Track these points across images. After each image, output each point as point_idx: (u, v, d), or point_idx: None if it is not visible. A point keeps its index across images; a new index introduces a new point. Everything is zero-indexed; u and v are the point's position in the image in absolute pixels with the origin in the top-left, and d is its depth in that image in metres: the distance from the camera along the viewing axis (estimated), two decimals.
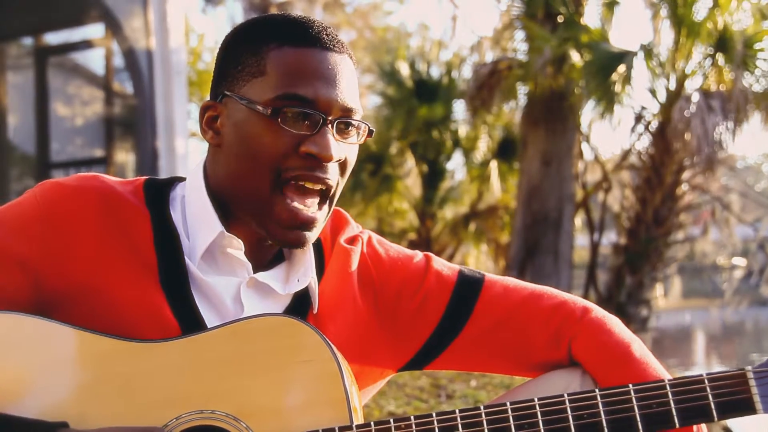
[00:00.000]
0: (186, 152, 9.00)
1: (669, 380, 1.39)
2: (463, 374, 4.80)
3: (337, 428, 1.32)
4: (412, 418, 1.35)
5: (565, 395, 1.37)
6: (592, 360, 1.50)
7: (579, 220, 12.43)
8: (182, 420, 1.33)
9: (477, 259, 13.76)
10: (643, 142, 10.64)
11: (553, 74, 9.72)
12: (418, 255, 1.60)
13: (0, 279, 1.36)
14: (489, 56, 13.03)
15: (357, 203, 13.01)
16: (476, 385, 4.66)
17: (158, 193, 1.49)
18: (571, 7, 10.04)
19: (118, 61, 9.55)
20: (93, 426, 1.31)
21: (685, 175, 10.37)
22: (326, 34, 1.42)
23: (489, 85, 10.32)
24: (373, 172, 12.97)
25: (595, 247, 12.04)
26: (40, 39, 9.87)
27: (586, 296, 10.86)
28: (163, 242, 1.43)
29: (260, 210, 1.41)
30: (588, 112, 11.32)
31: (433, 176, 13.43)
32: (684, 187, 10.51)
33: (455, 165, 15.41)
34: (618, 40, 9.84)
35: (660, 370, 1.48)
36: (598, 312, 1.55)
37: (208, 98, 1.48)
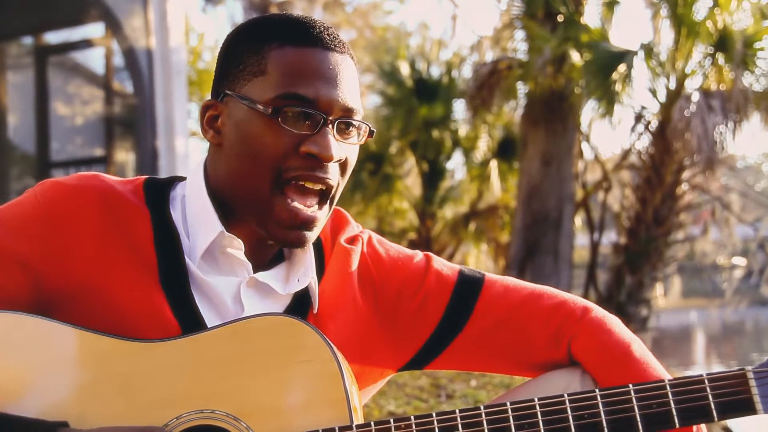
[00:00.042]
0: (186, 152, 9.00)
1: (669, 380, 1.39)
2: (463, 374, 4.80)
3: (337, 428, 1.32)
4: (412, 418, 1.35)
5: (565, 395, 1.37)
6: (592, 359, 1.50)
7: (579, 219, 12.43)
8: (182, 420, 1.33)
9: (477, 259, 13.76)
10: (643, 142, 10.65)
11: (553, 74, 9.72)
12: (419, 255, 1.60)
13: (0, 278, 1.36)
14: (489, 56, 13.03)
15: (357, 203, 13.02)
16: (476, 384, 4.66)
17: (158, 192, 1.48)
18: (571, 7, 10.04)
19: (118, 60, 9.55)
20: (93, 425, 1.31)
21: (685, 174, 10.37)
22: (328, 34, 1.42)
23: (489, 85, 10.32)
24: (373, 171, 12.97)
25: (595, 246, 12.04)
26: (40, 38, 9.87)
27: (586, 296, 10.86)
28: (163, 242, 1.43)
29: (260, 209, 1.41)
30: (588, 111, 11.35)
31: (433, 176, 13.43)
32: (684, 186, 10.51)
33: (455, 164, 15.43)
34: (618, 40, 9.84)
35: (660, 371, 1.48)
36: (598, 312, 1.55)
37: (209, 97, 1.48)
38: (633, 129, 10.50)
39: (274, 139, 1.37)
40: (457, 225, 13.52)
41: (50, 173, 9.47)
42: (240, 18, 18.31)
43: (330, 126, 1.39)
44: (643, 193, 10.31)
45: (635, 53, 9.51)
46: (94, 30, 9.68)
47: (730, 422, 4.25)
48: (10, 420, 1.28)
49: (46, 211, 1.39)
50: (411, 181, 14.52)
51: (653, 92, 10.20)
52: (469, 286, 1.56)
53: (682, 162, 10.07)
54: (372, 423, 1.33)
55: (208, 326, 1.41)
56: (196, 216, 1.46)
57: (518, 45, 11.10)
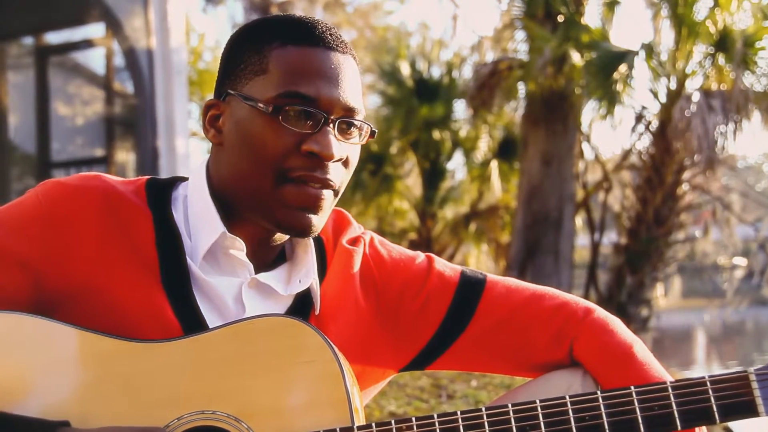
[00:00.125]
0: (186, 152, 9.00)
1: (671, 382, 1.38)
2: (464, 374, 4.80)
3: (338, 429, 1.32)
4: (413, 419, 1.35)
5: (567, 397, 1.37)
6: (594, 360, 1.49)
7: (579, 219, 12.44)
8: (184, 420, 1.32)
9: (477, 259, 13.76)
10: (644, 142, 10.65)
11: (554, 74, 9.72)
12: (420, 256, 1.60)
13: (0, 278, 1.36)
14: (489, 56, 13.04)
15: (357, 203, 13.02)
16: (477, 385, 4.66)
17: (160, 193, 1.48)
18: (571, 7, 10.05)
19: (119, 60, 9.55)
20: (94, 425, 1.31)
21: (686, 174, 10.37)
22: (330, 34, 1.42)
23: (489, 85, 10.32)
24: (374, 171, 12.98)
25: (595, 246, 12.04)
26: (40, 38, 9.87)
27: (586, 296, 10.86)
28: (164, 242, 1.43)
29: (264, 204, 1.40)
30: (588, 111, 11.34)
31: (434, 176, 13.43)
32: (684, 186, 10.51)
33: (456, 165, 15.44)
34: (619, 40, 9.84)
35: (662, 372, 1.47)
36: (601, 313, 1.55)
37: (210, 97, 1.48)
38: (633, 129, 10.50)
39: (275, 138, 1.37)
40: (457, 225, 13.52)
41: (51, 173, 9.47)
42: (240, 18, 18.32)
43: (331, 125, 1.39)
44: (644, 193, 10.32)
45: (636, 53, 9.51)
46: (95, 30, 9.69)
47: (732, 424, 4.24)
48: (11, 419, 1.28)
49: (47, 211, 1.39)
50: (411, 182, 14.53)
51: (654, 92, 10.20)
52: (471, 287, 1.56)
53: (682, 162, 10.07)
54: (373, 424, 1.33)
55: (210, 327, 1.41)
56: (198, 216, 1.46)
57: (519, 45, 11.11)
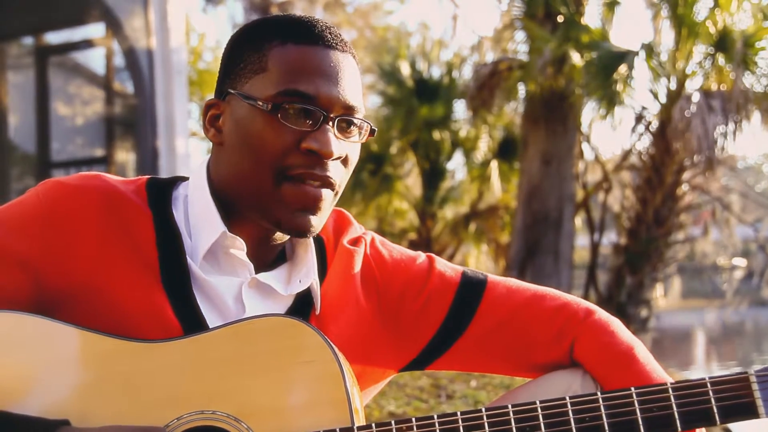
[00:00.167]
0: (186, 152, 9.00)
1: (671, 384, 1.38)
2: (463, 374, 4.80)
3: (338, 429, 1.32)
4: (413, 419, 1.34)
5: (567, 398, 1.37)
6: (595, 360, 1.49)
7: (579, 220, 12.44)
8: (183, 420, 1.32)
9: (477, 259, 13.76)
10: (644, 142, 10.65)
11: (554, 74, 9.72)
12: (421, 256, 1.60)
13: (0, 278, 1.35)
14: (490, 56, 13.04)
15: (357, 203, 13.02)
16: (476, 385, 4.66)
17: (161, 192, 1.48)
18: (571, 7, 10.05)
19: (119, 60, 9.55)
20: (94, 425, 1.31)
21: (686, 175, 10.37)
22: (329, 33, 1.42)
23: (489, 85, 10.32)
24: (374, 171, 12.98)
25: (595, 247, 12.04)
26: (40, 38, 9.86)
27: (586, 296, 10.87)
28: (165, 242, 1.43)
29: (264, 203, 1.40)
30: (588, 112, 11.34)
31: (434, 176, 13.44)
32: (684, 187, 10.51)
33: (456, 165, 15.45)
34: (619, 40, 9.84)
35: (663, 374, 1.47)
36: (602, 314, 1.55)
37: (210, 97, 1.48)
38: (633, 129, 10.50)
39: (275, 136, 1.37)
40: (457, 225, 13.52)
41: (51, 173, 9.47)
42: (240, 18, 18.32)
43: (330, 123, 1.38)
44: (644, 193, 10.32)
45: (636, 54, 9.51)
46: (95, 30, 9.69)
47: (732, 426, 4.24)
48: (12, 418, 1.28)
49: (48, 210, 1.39)
50: (411, 182, 14.53)
51: (654, 93, 10.20)
52: (472, 288, 1.56)
53: (682, 162, 10.07)
54: (373, 424, 1.33)
55: (210, 326, 1.41)
56: (199, 216, 1.46)
57: (519, 46, 11.11)
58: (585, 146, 12.13)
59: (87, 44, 9.90)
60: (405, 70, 13.09)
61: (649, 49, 9.80)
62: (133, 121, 9.15)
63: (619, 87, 9.33)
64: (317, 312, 1.48)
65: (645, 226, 10.27)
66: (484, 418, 1.35)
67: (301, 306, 1.48)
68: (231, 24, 19.18)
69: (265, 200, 1.40)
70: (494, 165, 12.92)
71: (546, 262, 10.24)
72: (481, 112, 10.87)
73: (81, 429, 1.29)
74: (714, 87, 9.61)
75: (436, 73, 13.44)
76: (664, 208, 10.21)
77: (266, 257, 1.49)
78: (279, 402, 1.34)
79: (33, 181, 9.44)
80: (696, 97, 9.26)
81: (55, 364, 1.33)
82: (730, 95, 9.07)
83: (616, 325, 1.54)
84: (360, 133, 1.44)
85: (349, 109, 1.40)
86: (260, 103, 1.37)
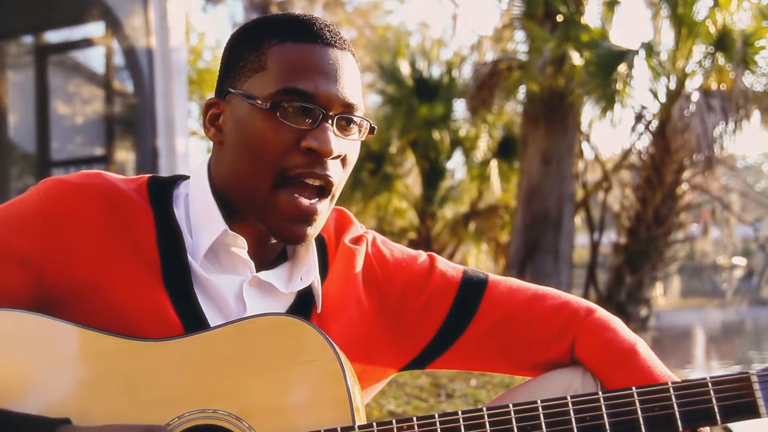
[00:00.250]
0: (186, 151, 9.00)
1: (673, 383, 1.38)
2: (463, 373, 4.80)
3: (339, 428, 1.32)
4: (414, 419, 1.34)
5: (568, 397, 1.37)
6: (596, 358, 1.49)
7: (579, 219, 12.45)
8: (184, 419, 1.32)
9: (477, 259, 13.76)
10: (644, 142, 10.67)
11: (553, 74, 9.72)
12: (423, 255, 1.60)
13: (1, 276, 1.35)
14: (489, 55, 13.05)
15: (357, 202, 13.02)
16: (476, 384, 4.66)
17: (161, 191, 1.48)
18: (571, 7, 10.05)
19: (119, 59, 9.55)
20: (95, 423, 1.30)
21: (686, 174, 10.38)
22: (328, 31, 1.42)
23: (489, 85, 10.33)
24: (373, 170, 12.98)
25: (595, 246, 12.05)
26: (40, 37, 9.86)
27: (586, 296, 10.87)
28: (165, 240, 1.43)
29: (262, 205, 1.40)
30: (588, 111, 11.34)
31: (433, 175, 13.44)
32: (684, 186, 10.52)
33: (455, 164, 15.47)
34: (618, 40, 9.85)
35: (665, 372, 1.47)
36: (602, 313, 1.55)
37: (210, 96, 1.48)
38: (633, 129, 10.51)
39: (274, 135, 1.36)
40: (457, 225, 13.53)
41: (50, 172, 9.47)
42: (240, 17, 18.32)
43: (330, 121, 1.38)
44: (643, 192, 10.32)
45: (635, 53, 9.51)
46: (95, 29, 9.68)
47: (733, 425, 4.24)
48: (12, 417, 1.28)
49: (49, 208, 1.39)
50: (411, 181, 14.54)
51: (653, 92, 10.21)
52: (473, 287, 1.56)
53: (682, 162, 10.07)
54: (374, 424, 1.33)
55: (211, 325, 1.41)
56: (200, 215, 1.45)
57: (518, 45, 11.12)
58: (585, 146, 12.14)
59: (87, 43, 9.90)
60: (405, 69, 13.09)
61: (649, 49, 9.80)
62: (132, 120, 9.15)
63: (618, 86, 9.33)
64: (318, 310, 1.48)
65: (645, 226, 10.27)
66: (485, 417, 1.34)
67: (303, 304, 1.48)
68: (231, 23, 19.18)
69: (261, 205, 1.40)
70: (494, 164, 12.92)
71: (546, 262, 10.25)
72: (480, 112, 10.88)
73: (82, 428, 1.29)
74: (714, 86, 9.62)
75: (436, 72, 13.45)
76: (664, 208, 10.21)
77: (267, 255, 1.48)
78: (280, 401, 1.33)
79: (33, 180, 9.44)
80: (696, 97, 9.27)
81: (55, 363, 1.33)
82: (730, 94, 9.08)
83: (617, 323, 1.54)
84: (359, 131, 1.44)
85: (349, 107, 1.40)
86: (259, 102, 1.37)
